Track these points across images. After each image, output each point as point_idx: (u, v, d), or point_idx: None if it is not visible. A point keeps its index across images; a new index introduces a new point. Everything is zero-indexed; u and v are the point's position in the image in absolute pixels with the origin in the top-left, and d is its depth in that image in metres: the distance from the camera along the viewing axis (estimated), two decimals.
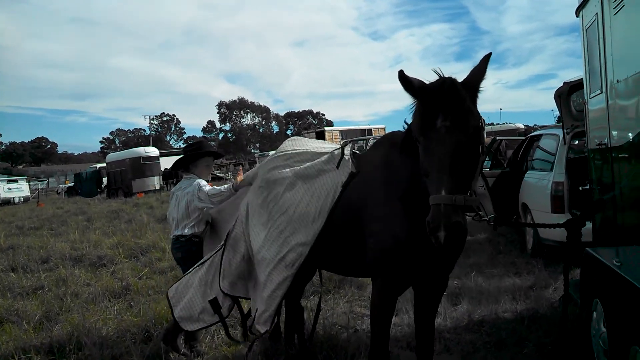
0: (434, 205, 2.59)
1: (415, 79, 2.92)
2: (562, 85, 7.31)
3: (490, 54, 2.93)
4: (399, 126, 3.85)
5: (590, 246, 4.33)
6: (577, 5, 5.41)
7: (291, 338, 4.98)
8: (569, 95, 7.41)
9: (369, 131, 46.38)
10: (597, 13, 4.73)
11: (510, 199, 8.94)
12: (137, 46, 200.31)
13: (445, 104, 2.72)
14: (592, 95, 5.17)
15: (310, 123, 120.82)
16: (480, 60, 2.94)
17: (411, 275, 3.42)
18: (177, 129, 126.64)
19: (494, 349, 4.82)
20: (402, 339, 5.11)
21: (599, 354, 3.99)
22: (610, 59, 4.48)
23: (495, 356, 4.66)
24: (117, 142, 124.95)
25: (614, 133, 4.52)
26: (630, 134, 4.09)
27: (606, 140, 4.72)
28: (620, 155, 4.40)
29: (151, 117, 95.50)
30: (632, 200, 4.14)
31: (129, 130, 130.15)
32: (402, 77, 2.89)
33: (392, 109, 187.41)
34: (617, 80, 4.32)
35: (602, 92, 4.77)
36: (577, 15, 5.50)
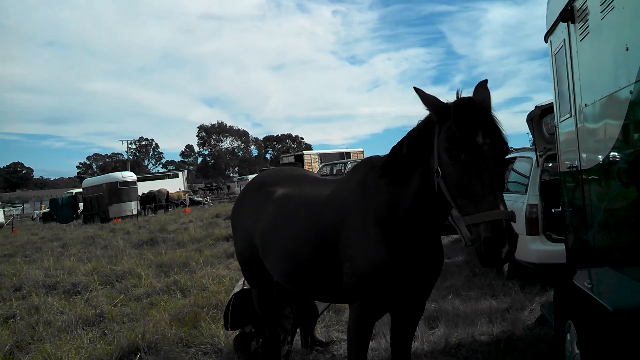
0: (495, 221, 2.51)
1: (435, 96, 2.91)
2: (534, 108, 7.44)
3: (486, 80, 2.95)
4: (377, 149, 3.88)
5: (564, 268, 4.38)
6: (546, 31, 5.54)
7: None
8: (540, 118, 7.55)
9: (348, 154, 46.60)
10: (564, 39, 4.85)
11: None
12: (114, 70, 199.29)
13: (485, 121, 2.71)
14: (562, 119, 5.27)
15: (289, 147, 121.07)
16: (481, 86, 2.95)
17: (389, 300, 3.40)
18: (156, 153, 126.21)
19: None
20: None
21: None
22: (578, 84, 4.58)
23: None
24: (94, 166, 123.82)
25: (584, 156, 4.61)
26: (599, 157, 4.17)
27: (576, 162, 4.80)
28: (590, 178, 4.48)
29: (129, 142, 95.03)
30: (602, 222, 4.20)
31: (106, 154, 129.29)
32: (424, 97, 2.88)
33: (370, 132, 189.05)
34: (585, 104, 4.41)
35: (571, 116, 4.87)
36: (546, 41, 5.63)
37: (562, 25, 4.86)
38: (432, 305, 6.97)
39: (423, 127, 3.03)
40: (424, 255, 3.30)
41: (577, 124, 4.73)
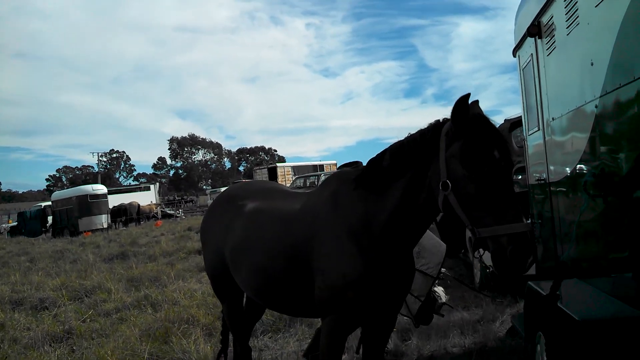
0: (520, 233, 2.57)
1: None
2: (503, 122, 7.55)
3: (469, 94, 2.82)
4: (350, 161, 3.87)
5: (533, 280, 4.42)
6: (514, 46, 5.64)
7: None
8: (510, 131, 7.66)
9: (321, 167, 46.75)
10: (532, 54, 4.94)
11: (457, 233, 9.08)
12: (86, 82, 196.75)
13: (500, 137, 2.77)
14: (530, 132, 5.36)
15: (262, 159, 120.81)
16: (475, 104, 2.92)
17: (361, 314, 3.39)
18: (127, 165, 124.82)
19: None
20: None
21: None
22: (546, 98, 4.66)
23: None
24: (64, 179, 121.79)
25: (552, 168, 4.69)
26: (566, 169, 4.24)
27: (544, 175, 4.87)
28: (557, 190, 4.55)
29: (100, 154, 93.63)
30: (569, 233, 4.27)
31: (76, 167, 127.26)
32: (462, 106, 2.76)
33: (343, 145, 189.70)
34: (553, 118, 4.49)
35: (539, 130, 4.95)
36: (514, 56, 5.73)
37: (530, 40, 4.96)
38: (405, 318, 6.97)
39: (420, 140, 3.02)
40: (397, 269, 3.30)
41: (544, 137, 4.81)
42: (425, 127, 3.08)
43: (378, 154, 3.33)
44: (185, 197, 61.59)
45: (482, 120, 2.81)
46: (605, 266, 3.64)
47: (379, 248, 3.19)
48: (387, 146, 3.33)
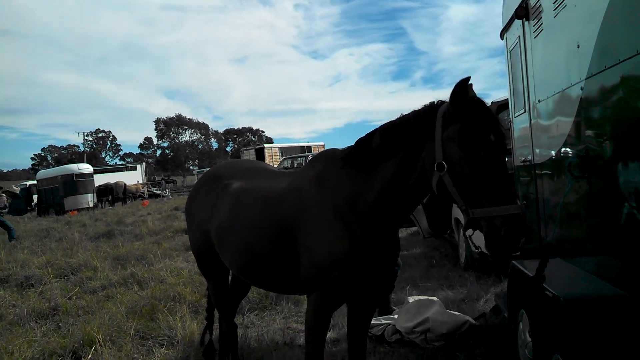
0: (514, 214, 2.61)
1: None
2: (490, 104, 7.58)
3: (469, 78, 2.82)
4: (338, 143, 3.87)
5: (517, 259, 4.49)
6: (502, 28, 5.66)
7: (225, 356, 4.93)
8: (497, 114, 7.68)
9: (309, 148, 46.63)
10: (519, 36, 4.96)
11: (443, 214, 9.15)
12: (71, 61, 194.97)
13: (498, 122, 2.81)
14: (516, 114, 5.40)
15: (249, 140, 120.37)
16: (471, 87, 2.90)
17: (347, 291, 3.43)
18: (113, 145, 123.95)
19: None
20: (337, 353, 5.13)
21: None
22: (532, 80, 4.69)
23: None
24: (49, 158, 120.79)
25: (537, 150, 4.73)
26: (551, 151, 4.28)
27: (530, 157, 4.92)
28: (542, 172, 4.60)
29: (85, 134, 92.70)
30: (554, 214, 4.33)
31: (62, 146, 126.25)
32: (462, 89, 2.77)
33: (331, 127, 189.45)
34: (539, 100, 4.53)
35: (525, 112, 4.99)
36: (502, 38, 5.75)
37: (517, 23, 4.97)
38: (392, 296, 7.06)
39: (415, 121, 3.02)
40: (383, 248, 3.34)
41: (530, 120, 4.85)
42: (420, 108, 3.07)
43: (367, 134, 3.33)
44: (165, 178, 61.01)
45: (480, 103, 2.83)
46: (588, 246, 3.70)
47: (365, 227, 3.21)
48: (375, 128, 3.34)
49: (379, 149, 3.16)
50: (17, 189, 21.48)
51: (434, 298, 5.69)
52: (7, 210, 18.14)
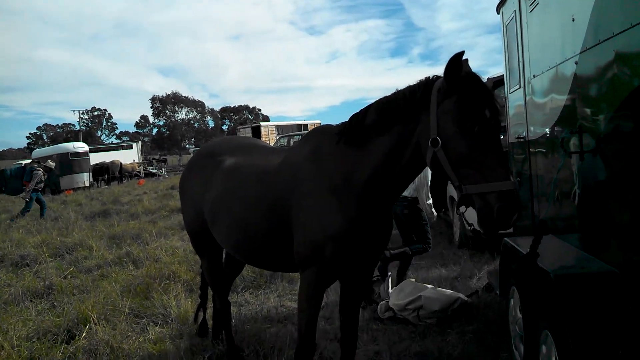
0: (508, 190, 2.59)
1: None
2: (485, 81, 7.53)
3: (463, 52, 2.77)
4: (335, 121, 3.81)
5: (509, 236, 4.48)
6: (498, 2, 5.59)
7: (219, 334, 4.94)
8: (492, 90, 7.64)
9: (305, 126, 46.42)
10: (515, 10, 4.89)
11: (438, 192, 9.15)
12: (65, 38, 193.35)
13: (493, 97, 2.77)
14: (511, 90, 5.35)
15: (246, 118, 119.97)
16: (466, 63, 2.90)
17: (340, 268, 3.42)
18: (109, 124, 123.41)
19: (419, 338, 4.92)
20: (330, 331, 5.14)
21: (515, 339, 4.15)
22: (527, 55, 4.64)
23: (420, 345, 4.76)
24: (44, 137, 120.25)
25: (531, 127, 4.70)
26: (545, 128, 4.25)
27: (524, 134, 4.89)
28: (536, 149, 4.57)
29: (81, 112, 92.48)
30: (547, 191, 4.31)
31: (57, 125, 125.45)
32: (456, 63, 2.73)
33: (328, 105, 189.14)
34: (534, 76, 4.48)
35: (520, 87, 4.95)
36: (498, 13, 5.68)
37: None
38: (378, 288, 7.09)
39: (410, 96, 2.98)
40: (377, 225, 3.32)
41: (525, 95, 4.81)
42: (415, 83, 3.04)
43: (362, 109, 3.30)
44: (156, 158, 60.58)
45: (475, 78, 2.80)
46: (579, 223, 3.69)
47: (359, 203, 3.19)
48: (369, 104, 3.30)
49: (373, 124, 3.13)
50: (52, 164, 21.44)
51: (429, 286, 5.68)
52: (42, 185, 17.98)
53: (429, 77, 3.01)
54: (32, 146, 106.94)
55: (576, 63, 3.44)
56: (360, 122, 3.21)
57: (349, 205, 3.19)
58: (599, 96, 3.20)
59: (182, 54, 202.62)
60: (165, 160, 58.17)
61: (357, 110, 3.35)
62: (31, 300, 7.01)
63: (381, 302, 5.63)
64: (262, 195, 3.68)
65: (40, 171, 18.03)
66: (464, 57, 2.80)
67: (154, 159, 59.97)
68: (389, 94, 3.19)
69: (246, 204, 3.80)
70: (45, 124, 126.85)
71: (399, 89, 3.13)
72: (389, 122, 3.05)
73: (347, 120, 3.38)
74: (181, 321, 5.64)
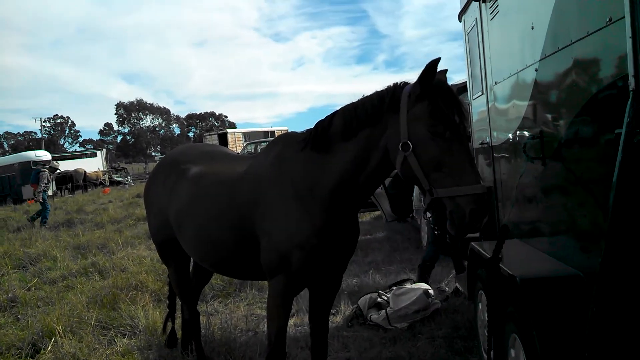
0: (479, 194, 2.63)
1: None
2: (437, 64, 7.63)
3: (439, 59, 2.81)
4: (302, 127, 3.80)
5: (475, 241, 4.54)
6: (460, 10, 5.68)
7: (188, 344, 4.90)
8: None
9: (272, 133, 46.32)
10: (476, 18, 4.98)
11: (405, 197, 9.20)
12: (25, 43, 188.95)
13: (462, 104, 2.83)
14: (474, 97, 5.44)
15: (212, 125, 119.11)
16: (441, 73, 2.93)
17: (308, 275, 3.42)
18: (72, 131, 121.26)
19: (390, 344, 4.95)
20: (301, 339, 5.14)
21: (484, 343, 4.20)
22: (489, 62, 4.73)
23: (390, 351, 4.78)
24: (5, 146, 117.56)
25: (494, 133, 4.78)
26: (508, 134, 4.33)
27: (487, 139, 4.97)
28: (499, 154, 4.65)
29: (43, 120, 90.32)
30: (511, 195, 4.38)
31: (18, 133, 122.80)
32: (431, 70, 2.76)
33: (294, 111, 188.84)
34: (495, 83, 4.56)
35: (483, 94, 5.03)
36: (460, 20, 5.77)
37: (474, 5, 4.99)
38: (354, 280, 7.12)
39: (378, 102, 3.00)
40: (343, 231, 3.34)
41: (488, 102, 4.89)
42: (383, 89, 3.06)
43: (328, 116, 3.31)
44: (116, 167, 59.37)
45: (446, 85, 2.85)
46: (544, 227, 3.76)
47: (326, 210, 3.20)
48: (335, 110, 3.31)
49: (340, 130, 3.13)
50: (57, 164, 21.46)
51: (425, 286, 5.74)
52: (50, 185, 18.04)
53: (397, 83, 3.03)
54: None
55: (536, 70, 3.51)
56: (326, 128, 3.22)
57: (315, 213, 3.20)
58: (559, 102, 3.27)
59: (147, 60, 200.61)
60: (124, 169, 57.26)
61: (324, 117, 3.35)
62: None
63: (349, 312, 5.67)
64: (227, 205, 3.66)
65: (46, 172, 18.20)
66: (443, 68, 2.88)
67: (112, 167, 59.02)
68: (355, 100, 3.22)
69: (211, 213, 3.78)
70: (6, 132, 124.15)
71: (366, 95, 3.16)
72: (355, 127, 3.06)
73: (312, 127, 3.39)
74: (149, 332, 5.57)
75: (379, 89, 3.10)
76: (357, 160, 3.06)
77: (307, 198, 3.24)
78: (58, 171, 18.75)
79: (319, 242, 3.20)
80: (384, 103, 2.96)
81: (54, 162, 21.78)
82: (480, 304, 4.34)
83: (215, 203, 3.76)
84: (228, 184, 3.73)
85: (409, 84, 2.92)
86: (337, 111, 3.27)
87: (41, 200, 17.59)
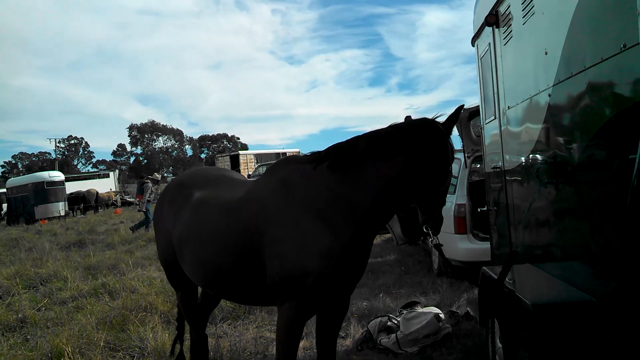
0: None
1: None
2: (462, 111, 7.63)
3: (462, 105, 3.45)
4: (314, 149, 3.82)
5: (488, 265, 4.51)
6: (473, 35, 5.70)
7: None
8: (468, 120, 7.75)
9: (284, 154, 46.43)
10: (489, 43, 4.99)
11: (416, 220, 9.16)
12: (43, 65, 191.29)
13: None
14: (487, 121, 5.43)
15: (225, 147, 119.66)
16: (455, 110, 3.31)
17: (322, 300, 3.37)
18: (86, 152, 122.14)
19: None
20: None
21: None
22: (502, 87, 4.73)
23: None
24: (19, 166, 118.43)
25: (507, 157, 4.76)
26: (521, 158, 4.31)
27: (500, 163, 4.95)
28: (512, 178, 4.63)
29: (57, 140, 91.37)
30: (523, 220, 4.35)
31: (33, 153, 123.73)
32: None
33: (307, 133, 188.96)
34: (508, 107, 4.56)
35: (495, 118, 5.02)
36: (473, 45, 5.79)
37: (488, 30, 5.01)
38: (364, 303, 7.06)
39: (411, 131, 3.22)
40: (361, 254, 3.34)
41: (500, 126, 4.88)
42: (416, 120, 3.32)
43: (351, 138, 3.40)
44: (124, 189, 59.41)
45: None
46: (557, 252, 3.72)
47: (356, 231, 3.20)
48: (350, 135, 3.39)
49: (369, 152, 3.20)
50: (159, 176, 23.08)
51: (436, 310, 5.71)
52: (154, 196, 20.14)
53: (429, 117, 3.32)
54: (7, 175, 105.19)
55: (549, 95, 3.51)
56: (353, 149, 3.27)
57: (344, 233, 3.19)
58: (573, 127, 3.26)
59: (162, 82, 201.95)
60: (129, 193, 57.57)
61: (336, 140, 3.41)
62: (3, 334, 6.86)
63: (358, 336, 5.62)
64: (228, 230, 3.62)
65: (150, 183, 19.79)
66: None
67: (122, 190, 59.33)
68: (368, 123, 3.44)
69: (212, 239, 3.74)
70: (21, 153, 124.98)
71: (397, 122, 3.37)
72: (390, 151, 3.16)
73: (313, 150, 3.46)
74: (158, 354, 5.54)
75: (397, 116, 3.24)
76: (393, 183, 3.17)
77: (333, 218, 3.22)
78: (158, 181, 20.52)
79: (338, 265, 3.18)
80: (416, 135, 3.22)
81: (155, 174, 23.31)
82: (492, 329, 4.29)
83: (215, 230, 3.72)
84: (229, 209, 3.70)
85: (437, 121, 3.28)
86: (360, 136, 3.39)
87: (144, 210, 18.80)
